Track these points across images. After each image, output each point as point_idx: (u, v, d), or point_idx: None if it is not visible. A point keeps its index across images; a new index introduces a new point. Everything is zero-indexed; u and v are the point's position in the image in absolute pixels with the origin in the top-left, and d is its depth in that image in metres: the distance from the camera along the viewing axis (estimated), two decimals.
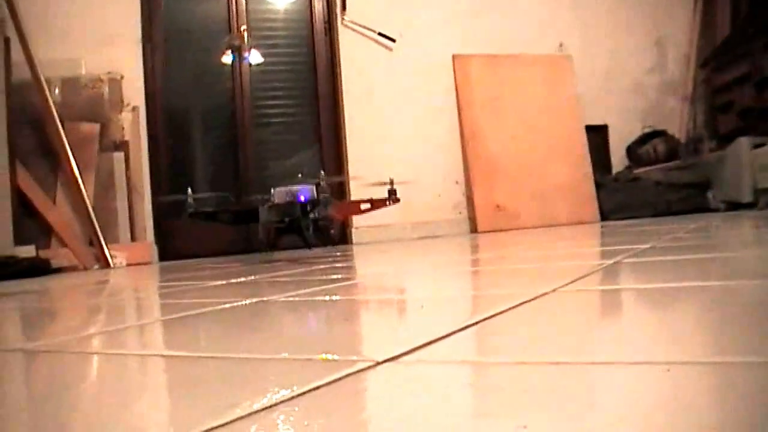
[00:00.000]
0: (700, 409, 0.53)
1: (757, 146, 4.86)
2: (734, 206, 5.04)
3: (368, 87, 5.53)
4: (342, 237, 5.45)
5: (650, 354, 0.71)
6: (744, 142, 4.99)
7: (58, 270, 4.26)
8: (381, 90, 5.56)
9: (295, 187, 3.57)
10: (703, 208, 5.30)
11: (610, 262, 1.80)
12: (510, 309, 1.06)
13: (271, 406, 0.60)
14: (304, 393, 0.63)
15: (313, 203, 3.58)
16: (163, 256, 5.01)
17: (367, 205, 4.03)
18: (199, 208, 3.84)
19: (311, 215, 3.60)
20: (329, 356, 0.79)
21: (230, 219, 4.04)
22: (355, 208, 4.15)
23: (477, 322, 0.97)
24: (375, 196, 4.05)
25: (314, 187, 3.62)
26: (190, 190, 3.79)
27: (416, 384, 0.66)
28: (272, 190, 3.63)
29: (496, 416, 0.54)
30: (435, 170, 5.56)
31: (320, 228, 3.68)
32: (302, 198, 3.51)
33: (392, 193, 3.90)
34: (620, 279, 1.51)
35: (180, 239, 5.17)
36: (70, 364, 0.97)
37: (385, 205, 3.96)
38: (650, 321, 0.96)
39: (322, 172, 3.86)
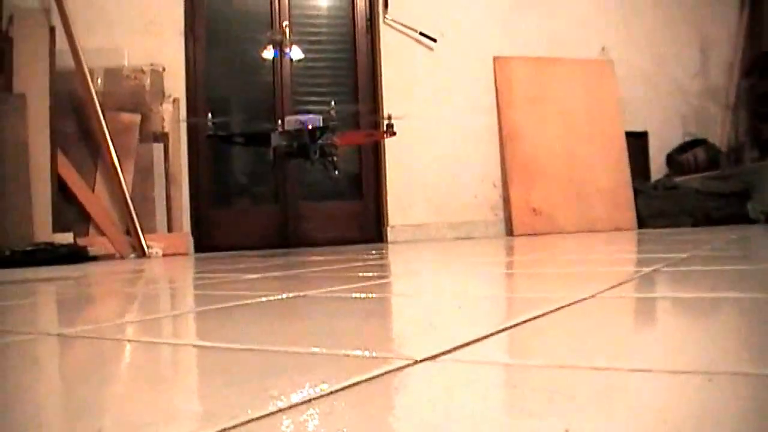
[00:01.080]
0: (742, 419, 0.52)
1: None
2: None
3: (408, 86, 5.52)
4: (378, 235, 5.46)
5: (691, 363, 0.70)
6: None
7: (95, 258, 4.30)
8: (421, 89, 5.55)
9: (304, 116, 3.86)
10: (743, 219, 5.23)
11: (649, 269, 1.78)
12: (549, 313, 1.06)
13: (308, 401, 0.59)
14: (342, 389, 0.62)
15: (322, 129, 3.84)
16: (199, 247, 5.03)
17: (366, 135, 4.42)
18: (216, 131, 4.17)
19: (319, 141, 3.86)
20: (368, 353, 0.79)
21: (244, 141, 4.34)
22: (358, 136, 4.39)
23: (515, 325, 0.96)
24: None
25: (320, 117, 3.87)
26: (210, 114, 4.07)
27: (455, 383, 0.65)
28: (285, 118, 3.95)
29: (539, 417, 0.54)
30: (472, 171, 5.54)
31: (324, 153, 3.93)
32: (309, 126, 3.78)
33: (390, 127, 4.21)
34: (659, 287, 1.50)
35: (216, 231, 5.20)
36: (106, 351, 0.98)
37: (383, 137, 4.33)
38: (691, 330, 0.95)
39: (333, 102, 4.00)
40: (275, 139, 3.92)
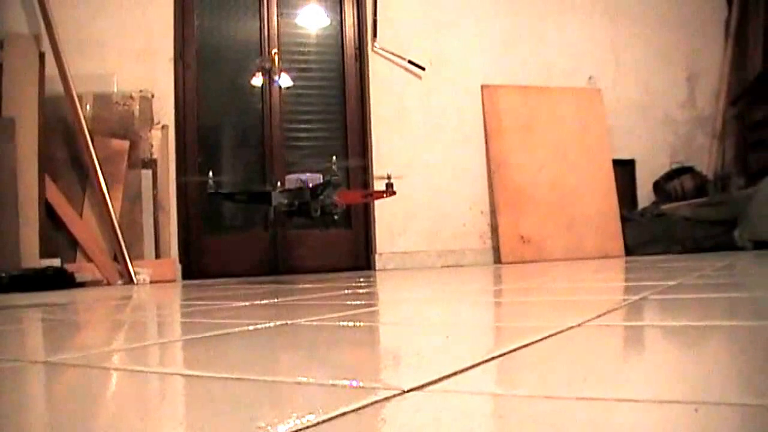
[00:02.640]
0: None
1: None
2: (762, 245, 4.99)
3: (397, 114, 5.54)
4: (367, 262, 5.46)
5: (678, 393, 0.70)
6: None
7: (83, 284, 4.28)
8: (409, 117, 5.57)
9: (305, 175, 3.96)
10: (731, 246, 5.25)
11: (637, 297, 1.78)
12: (537, 342, 1.06)
13: (296, 431, 0.59)
14: (329, 419, 0.62)
15: (323, 184, 3.92)
16: (188, 274, 5.03)
17: (366, 195, 4.47)
18: (217, 189, 4.22)
19: (320, 197, 3.95)
20: (355, 383, 0.79)
21: (246, 200, 4.40)
22: (357, 195, 4.46)
23: (503, 354, 0.96)
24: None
25: (321, 176, 3.97)
26: (211, 173, 4.13)
27: (443, 414, 0.65)
28: (286, 176, 4.05)
29: None
30: (461, 199, 5.55)
31: (325, 212, 3.99)
32: (310, 185, 3.88)
33: (389, 186, 4.26)
34: (647, 315, 1.50)
35: (206, 258, 5.19)
36: (93, 379, 0.98)
37: (383, 196, 4.35)
38: (678, 359, 0.95)
39: (334, 157, 4.06)
40: (276, 198, 4.00)
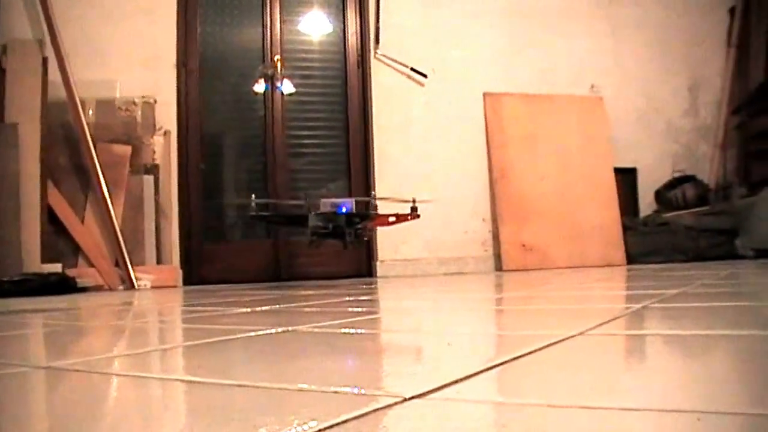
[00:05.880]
0: None
1: None
2: (763, 254, 4.99)
3: (399, 121, 5.55)
4: (368, 270, 5.46)
5: (680, 402, 0.70)
6: None
7: (84, 289, 4.28)
8: (412, 124, 5.57)
9: (338, 200, 4.18)
10: (733, 255, 5.25)
11: (639, 306, 1.78)
12: (538, 350, 1.06)
13: None
14: (331, 426, 0.62)
15: (362, 216, 4.22)
16: (190, 280, 5.02)
17: (393, 218, 4.50)
18: (259, 212, 4.44)
19: (358, 225, 4.21)
20: (356, 390, 0.79)
21: (284, 222, 4.63)
22: (384, 220, 4.53)
23: (505, 362, 0.96)
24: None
25: (354, 201, 4.21)
26: (254, 196, 4.38)
27: (445, 422, 0.65)
28: (321, 200, 4.25)
29: None
30: (463, 206, 5.55)
31: (358, 236, 4.26)
32: (344, 209, 4.12)
33: (414, 209, 4.41)
34: (649, 324, 1.50)
35: (208, 264, 5.19)
36: (95, 385, 0.98)
37: (407, 219, 4.47)
38: (680, 368, 0.95)
39: (374, 192, 4.42)
40: (312, 220, 4.16)
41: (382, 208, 4.57)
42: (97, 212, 4.60)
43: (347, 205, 4.15)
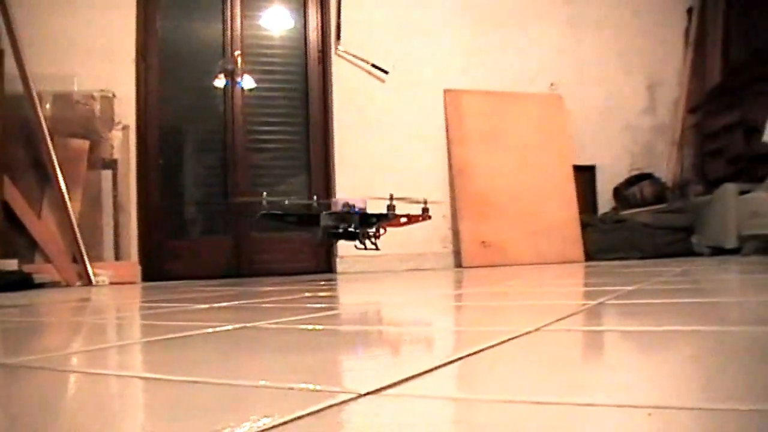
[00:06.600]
0: None
1: (743, 192, 4.89)
2: (719, 251, 5.06)
3: (360, 117, 5.55)
4: (328, 266, 5.45)
5: (633, 397, 0.71)
6: (730, 187, 5.02)
7: (41, 285, 4.23)
8: (372, 121, 5.57)
9: (352, 200, 4.17)
10: (689, 252, 5.32)
11: (595, 302, 1.80)
12: (495, 346, 1.06)
13: None
14: (285, 422, 0.62)
15: (379, 216, 4.21)
16: (150, 276, 4.98)
17: (405, 219, 4.52)
18: (270, 210, 4.38)
19: (374, 225, 4.24)
20: (312, 386, 0.79)
21: (296, 221, 4.51)
22: (398, 221, 4.51)
23: (461, 358, 0.97)
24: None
25: (366, 200, 4.20)
26: (265, 194, 4.30)
27: (399, 418, 0.65)
28: (332, 200, 4.32)
29: None
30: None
31: (369, 236, 4.26)
32: (356, 209, 4.12)
33: (425, 210, 4.51)
34: (604, 320, 1.51)
35: (168, 260, 5.15)
36: (50, 382, 0.97)
37: (419, 220, 4.53)
38: (635, 363, 0.96)
39: (393, 193, 4.31)
40: (324, 220, 4.15)
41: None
42: (55, 208, 4.54)
43: (359, 204, 4.15)
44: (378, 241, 4.35)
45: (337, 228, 4.11)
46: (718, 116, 5.66)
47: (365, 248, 4.28)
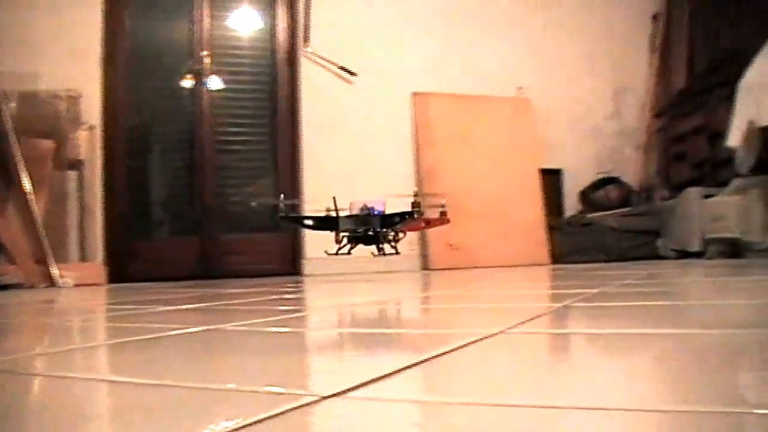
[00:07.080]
0: None
1: (707, 196, 4.94)
2: (683, 254, 5.11)
3: (328, 119, 5.54)
4: (295, 268, 5.44)
5: (598, 399, 0.71)
6: (694, 191, 5.07)
7: (4, 287, 4.18)
8: (340, 123, 5.57)
9: (372, 201, 4.08)
10: (655, 256, 5.37)
11: (561, 305, 1.81)
12: (459, 348, 1.07)
13: None
14: (247, 425, 0.62)
15: (403, 215, 4.03)
16: (117, 278, 4.93)
17: (423, 223, 4.46)
18: (288, 213, 4.33)
19: (397, 226, 4.09)
20: (275, 389, 0.79)
21: (314, 224, 4.36)
22: (417, 225, 4.48)
23: (425, 360, 0.97)
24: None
25: (385, 202, 4.08)
26: (283, 196, 4.28)
27: (360, 420, 0.66)
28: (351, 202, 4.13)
29: None
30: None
31: (389, 240, 4.13)
32: (376, 211, 4.03)
33: (443, 213, 4.36)
34: (569, 322, 1.53)
35: (135, 262, 5.11)
36: (13, 386, 0.96)
37: (438, 224, 4.44)
38: (598, 366, 0.97)
39: (416, 188, 4.31)
40: (343, 223, 4.06)
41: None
42: (19, 208, 4.49)
43: (379, 206, 4.06)
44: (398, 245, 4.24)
45: (356, 231, 4.04)
46: (683, 121, 5.72)
47: (384, 254, 4.16)
